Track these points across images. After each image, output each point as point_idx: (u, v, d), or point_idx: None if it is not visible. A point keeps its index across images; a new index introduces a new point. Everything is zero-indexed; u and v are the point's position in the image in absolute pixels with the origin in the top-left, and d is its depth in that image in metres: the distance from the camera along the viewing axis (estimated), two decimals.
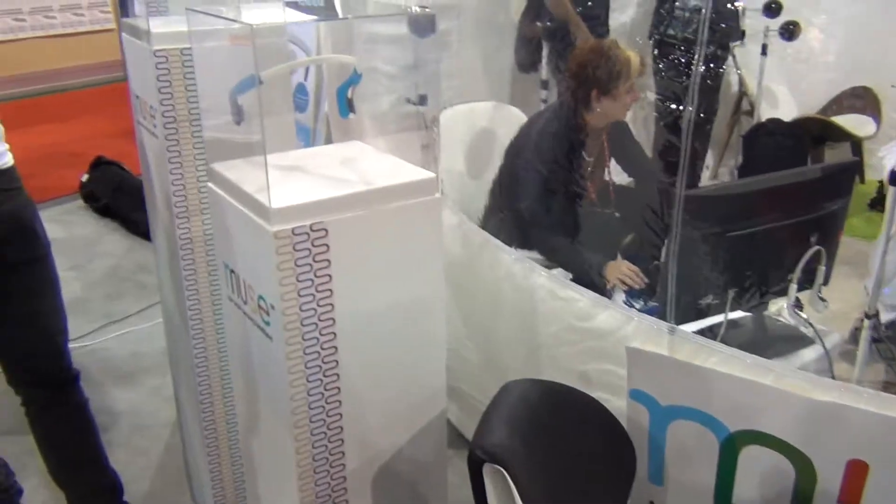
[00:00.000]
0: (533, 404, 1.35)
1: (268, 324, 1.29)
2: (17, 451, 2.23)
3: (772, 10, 4.47)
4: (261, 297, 1.29)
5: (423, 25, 2.61)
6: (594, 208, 3.01)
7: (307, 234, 1.21)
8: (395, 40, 2.98)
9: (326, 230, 1.23)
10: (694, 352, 1.64)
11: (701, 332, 1.88)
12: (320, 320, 1.27)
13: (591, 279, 2.56)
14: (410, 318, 1.37)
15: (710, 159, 5.17)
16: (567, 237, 2.82)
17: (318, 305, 1.26)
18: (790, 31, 4.39)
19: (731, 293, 2.10)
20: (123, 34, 1.86)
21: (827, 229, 2.16)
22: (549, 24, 3.54)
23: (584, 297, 1.83)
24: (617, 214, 3.06)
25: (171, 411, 2.83)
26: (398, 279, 1.33)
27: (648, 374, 1.72)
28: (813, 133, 4.61)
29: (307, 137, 3.35)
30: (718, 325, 2.09)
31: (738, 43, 4.39)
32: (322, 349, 1.29)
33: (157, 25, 1.61)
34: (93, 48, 6.55)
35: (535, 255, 2.66)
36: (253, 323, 1.35)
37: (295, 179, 1.33)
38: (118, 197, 4.44)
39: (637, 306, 2.75)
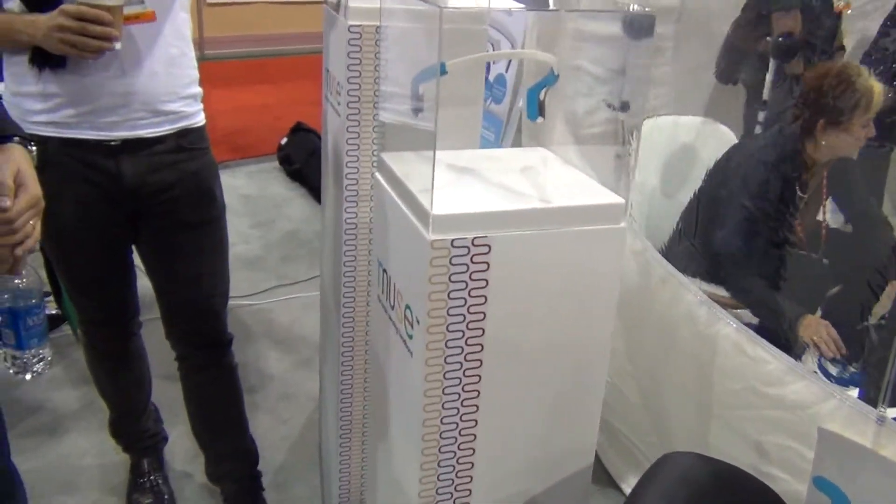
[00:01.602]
0: (696, 486, 1.15)
1: (410, 337, 1.17)
2: (171, 398, 2.27)
3: None
4: (408, 307, 1.17)
5: (639, 27, 2.37)
6: (800, 251, 2.68)
7: (468, 248, 1.07)
8: (605, 40, 2.76)
9: (490, 247, 1.08)
10: None
11: None
12: (467, 345, 1.13)
13: (781, 330, 2.27)
14: (569, 359, 1.20)
15: None
16: (763, 279, 2.52)
17: (468, 328, 1.12)
18: None
19: None
20: (325, 6, 1.81)
21: None
22: (781, 39, 3.19)
23: (776, 360, 1.57)
24: (825, 261, 2.71)
25: (318, 384, 2.84)
26: (562, 313, 1.17)
27: (842, 464, 1.45)
28: None
29: (499, 131, 3.23)
30: None
31: None
32: (464, 376, 1.15)
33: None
34: (313, 17, 6.81)
35: (722, 291, 2.40)
36: (396, 331, 1.24)
37: (465, 183, 1.19)
38: (310, 163, 4.55)
39: (833, 372, 2.42)
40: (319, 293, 2.18)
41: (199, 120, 1.78)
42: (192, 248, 1.84)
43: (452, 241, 1.07)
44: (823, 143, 2.48)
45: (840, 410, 1.47)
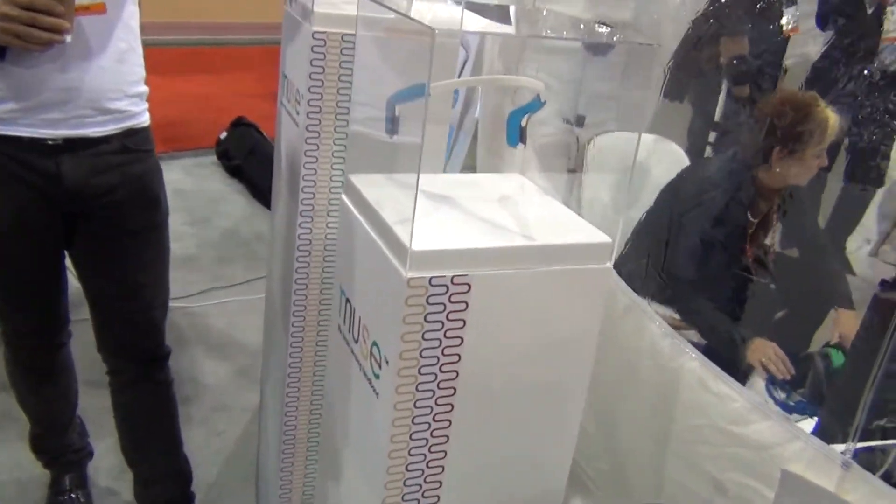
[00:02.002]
0: None
1: (377, 377, 1.08)
2: (98, 407, 2.12)
3: None
4: (375, 345, 1.09)
5: (600, 44, 2.32)
6: (748, 276, 2.69)
7: (446, 286, 1.00)
8: (563, 52, 2.71)
9: (470, 286, 1.01)
10: (870, 497, 1.34)
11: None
12: (439, 388, 1.05)
13: (728, 353, 2.26)
14: (544, 404, 1.14)
15: (874, 233, 4.70)
16: (712, 301, 2.52)
17: (441, 371, 1.04)
18: None
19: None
20: (286, 6, 1.70)
21: None
22: (735, 62, 3.20)
23: (741, 399, 1.54)
24: (773, 286, 2.73)
25: (256, 395, 2.71)
26: (540, 355, 1.10)
27: None
28: None
29: (449, 137, 3.15)
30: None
31: None
32: (434, 421, 1.07)
33: (321, 4, 1.43)
34: (257, 7, 6.60)
35: (671, 312, 2.38)
36: (360, 368, 1.15)
37: (442, 214, 1.11)
38: (250, 160, 4.39)
39: (780, 397, 2.43)
40: (265, 305, 2.07)
41: (145, 120, 1.66)
42: (134, 256, 1.71)
43: (431, 279, 0.99)
44: (777, 170, 2.48)
45: (805, 452, 1.44)
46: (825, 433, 1.67)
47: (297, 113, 1.58)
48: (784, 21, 3.25)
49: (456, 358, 1.04)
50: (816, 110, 2.36)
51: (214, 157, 4.69)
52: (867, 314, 1.65)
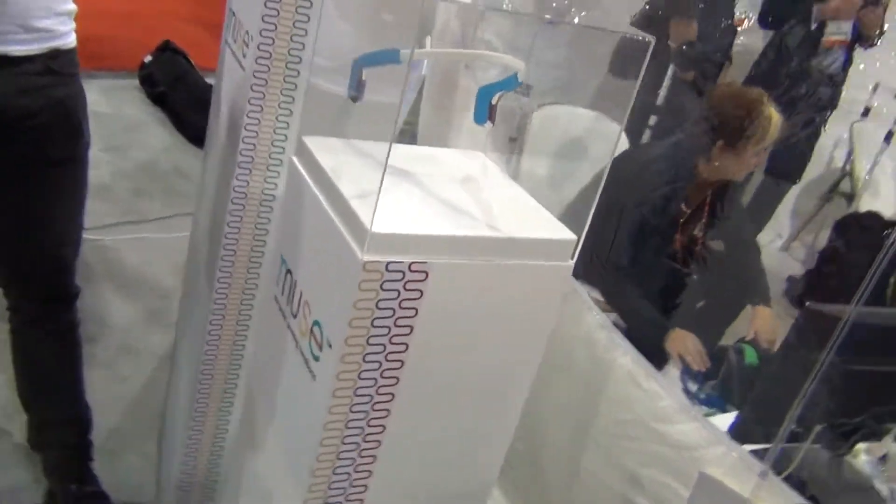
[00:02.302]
0: None
1: (316, 359, 1.02)
2: None
3: None
4: (317, 324, 1.02)
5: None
6: (674, 264, 2.72)
7: (403, 273, 0.93)
8: (516, 16, 2.62)
9: (427, 273, 0.94)
10: None
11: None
12: (382, 377, 1.00)
13: (647, 339, 2.28)
14: (486, 398, 1.10)
15: (786, 228, 4.85)
16: (637, 287, 2.54)
17: (386, 360, 0.98)
18: None
19: (818, 428, 1.82)
20: None
21: None
22: (684, 48, 3.20)
23: (669, 399, 1.54)
24: (695, 277, 2.77)
25: (166, 340, 2.59)
26: (490, 349, 1.05)
27: None
28: None
29: None
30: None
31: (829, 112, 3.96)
32: (372, 410, 1.02)
33: None
34: None
35: (596, 294, 2.39)
36: (296, 345, 1.08)
37: (400, 191, 1.04)
38: (176, 89, 4.15)
39: (692, 389, 2.48)
40: (189, 251, 1.95)
41: (71, 41, 1.53)
42: (51, 187, 1.59)
43: (388, 264, 0.92)
44: (717, 163, 2.50)
45: (726, 458, 1.45)
46: (741, 434, 1.71)
47: (244, 56, 1.46)
48: (736, 12, 3.27)
49: (403, 347, 0.98)
50: (762, 108, 2.37)
51: (137, 82, 4.41)
52: (796, 325, 1.67)
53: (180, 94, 4.10)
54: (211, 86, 4.31)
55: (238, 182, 1.50)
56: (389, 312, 0.95)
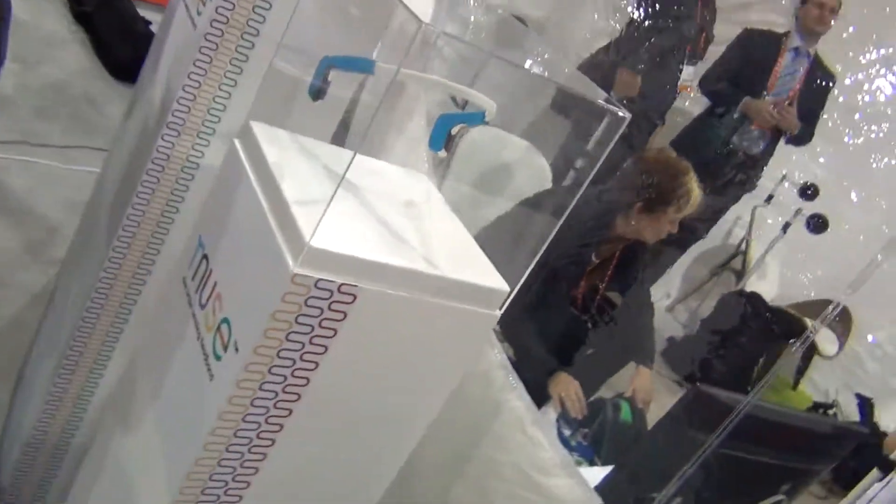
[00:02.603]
0: None
1: (218, 358, 0.96)
2: None
3: (808, 195, 4.34)
4: (226, 322, 0.96)
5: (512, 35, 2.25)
6: (573, 310, 2.76)
7: (331, 292, 0.89)
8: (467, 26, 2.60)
9: (355, 298, 0.90)
10: None
11: None
12: (283, 391, 0.95)
13: (532, 378, 2.31)
14: (383, 431, 1.06)
15: (674, 290, 5.03)
16: (534, 325, 2.57)
17: (293, 375, 0.94)
18: (816, 226, 4.27)
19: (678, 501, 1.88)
20: None
21: (798, 484, 1.96)
22: (624, 101, 3.25)
23: (552, 451, 1.55)
24: (589, 325, 2.82)
25: (40, 278, 2.44)
26: (399, 384, 1.02)
27: None
28: (782, 325, 4.50)
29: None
30: None
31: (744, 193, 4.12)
32: (265, 423, 0.97)
33: None
34: None
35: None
36: (197, 337, 1.01)
37: (343, 203, 0.99)
38: (103, 13, 3.92)
39: (566, 432, 2.52)
40: (91, 196, 1.82)
41: None
42: None
43: (318, 281, 0.87)
44: (633, 223, 2.55)
45: None
46: (611, 494, 1.73)
47: (199, 14, 1.37)
48: (682, 77, 3.35)
49: (313, 366, 0.94)
50: (688, 182, 2.44)
51: None
52: (684, 402, 1.71)
53: (106, 19, 3.88)
54: (141, 17, 4.07)
55: (163, 143, 1.41)
56: (307, 329, 0.90)
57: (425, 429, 1.10)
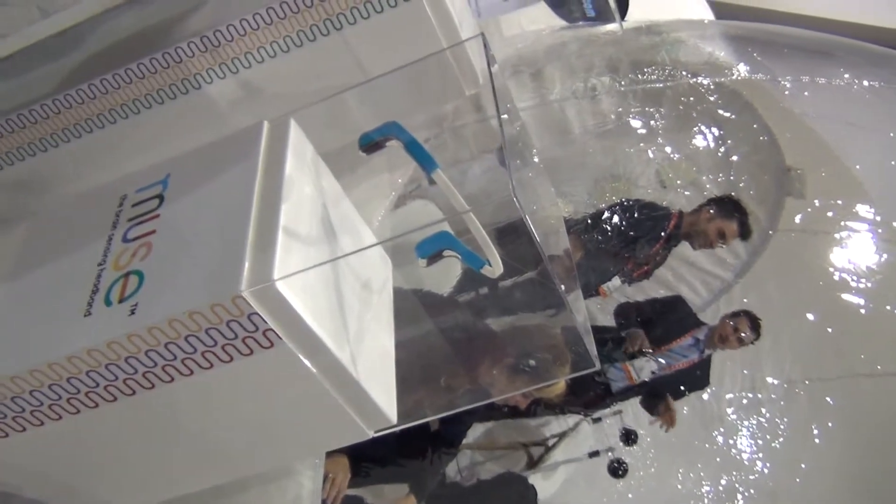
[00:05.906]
0: None
1: (107, 304, 0.88)
2: None
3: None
4: (137, 274, 0.88)
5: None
6: None
7: (256, 328, 0.84)
8: None
9: (272, 345, 0.86)
10: None
11: None
12: (143, 377, 0.88)
13: None
14: (199, 457, 1.01)
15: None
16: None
17: (162, 369, 0.87)
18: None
19: None
20: None
21: None
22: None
23: None
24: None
25: None
26: (245, 431, 0.98)
27: None
28: None
29: None
30: None
31: None
32: (94, 392, 0.89)
33: None
34: None
35: None
36: (97, 265, 0.93)
37: (314, 251, 0.95)
38: None
39: None
40: None
41: None
42: None
43: (252, 314, 0.83)
44: (486, 378, 2.57)
45: None
46: None
47: None
48: (607, 283, 3.42)
49: (187, 372, 0.88)
50: (557, 369, 2.49)
51: None
52: None
53: None
54: None
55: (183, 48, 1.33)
56: (209, 343, 0.85)
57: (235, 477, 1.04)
